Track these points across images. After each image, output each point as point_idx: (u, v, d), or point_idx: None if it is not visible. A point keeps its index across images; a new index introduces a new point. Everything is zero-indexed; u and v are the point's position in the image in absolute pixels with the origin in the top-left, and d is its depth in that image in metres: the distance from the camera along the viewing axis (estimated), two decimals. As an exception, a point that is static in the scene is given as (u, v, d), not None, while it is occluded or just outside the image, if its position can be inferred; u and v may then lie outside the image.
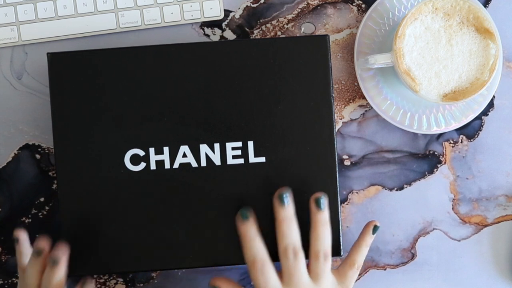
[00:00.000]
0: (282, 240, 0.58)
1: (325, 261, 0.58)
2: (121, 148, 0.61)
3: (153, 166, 0.61)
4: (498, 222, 0.69)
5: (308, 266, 0.59)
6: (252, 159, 0.62)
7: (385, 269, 0.69)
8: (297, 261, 0.57)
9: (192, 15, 0.67)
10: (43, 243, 0.59)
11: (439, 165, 0.69)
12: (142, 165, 0.61)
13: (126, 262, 0.61)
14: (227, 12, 0.68)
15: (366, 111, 0.68)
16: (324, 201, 0.59)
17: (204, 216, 0.61)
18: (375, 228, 0.61)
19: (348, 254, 0.61)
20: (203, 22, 0.68)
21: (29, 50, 0.68)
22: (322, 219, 0.59)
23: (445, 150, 0.69)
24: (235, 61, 0.62)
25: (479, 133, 0.69)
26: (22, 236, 0.61)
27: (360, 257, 0.61)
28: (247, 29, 0.68)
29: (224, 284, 0.60)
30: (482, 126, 0.69)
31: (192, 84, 0.61)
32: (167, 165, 0.61)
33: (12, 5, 0.67)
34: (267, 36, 0.68)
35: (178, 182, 0.61)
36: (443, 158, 0.69)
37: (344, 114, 0.68)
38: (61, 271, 0.58)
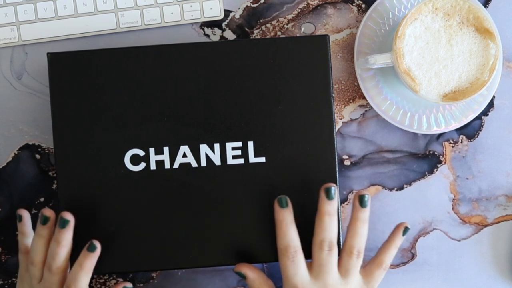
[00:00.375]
0: (321, 232, 0.58)
1: (357, 259, 0.58)
2: (121, 148, 0.61)
3: (153, 166, 0.61)
4: (498, 222, 0.69)
5: (338, 262, 0.59)
6: (252, 159, 0.62)
7: (385, 269, 0.69)
8: (331, 255, 0.57)
9: (192, 15, 0.67)
10: (49, 211, 0.59)
11: (439, 165, 0.69)
12: (142, 165, 0.61)
13: (126, 262, 0.61)
14: (227, 12, 0.68)
15: (366, 111, 0.68)
16: (369, 200, 0.59)
17: (204, 216, 0.61)
18: (406, 230, 0.61)
19: (376, 254, 0.61)
20: (203, 22, 0.68)
21: (29, 50, 0.68)
22: (363, 216, 0.59)
23: (445, 150, 0.69)
24: (235, 61, 0.62)
25: (479, 133, 0.69)
26: (25, 214, 0.62)
27: (389, 257, 0.60)
28: (247, 29, 0.68)
29: (250, 272, 0.60)
30: (482, 126, 0.69)
31: (192, 84, 0.61)
32: (167, 165, 0.61)
33: (12, 5, 0.67)
34: (267, 36, 0.68)
35: (178, 182, 0.61)
36: (443, 158, 0.69)
37: (344, 114, 0.68)
38: (68, 236, 0.58)
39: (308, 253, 0.59)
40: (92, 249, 0.59)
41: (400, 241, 0.61)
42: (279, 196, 0.59)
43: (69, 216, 0.59)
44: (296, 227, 0.58)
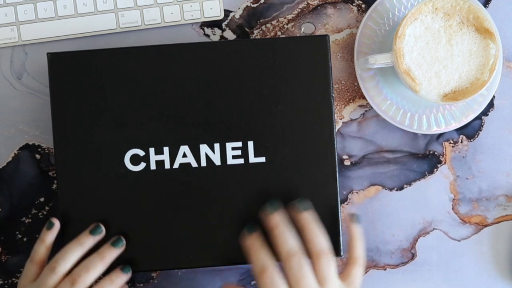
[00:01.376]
0: (280, 246, 0.57)
1: (328, 261, 0.56)
2: (121, 148, 0.61)
3: (153, 166, 0.61)
4: (498, 222, 0.69)
5: (313, 270, 0.56)
6: (252, 159, 0.62)
7: (385, 269, 0.69)
8: (301, 266, 0.55)
9: (192, 15, 0.67)
10: (103, 227, 0.60)
11: (439, 165, 0.69)
12: (142, 165, 0.61)
13: (126, 262, 0.61)
14: (227, 12, 0.68)
15: (366, 111, 0.68)
16: (305, 204, 0.59)
17: (204, 216, 0.61)
18: (355, 217, 0.60)
19: (348, 255, 0.60)
20: (203, 22, 0.68)
21: (29, 50, 0.68)
22: (307, 218, 0.58)
23: (445, 150, 0.69)
24: (235, 61, 0.62)
25: (479, 133, 0.69)
26: (58, 224, 0.60)
27: (359, 251, 0.59)
28: (247, 29, 0.68)
29: None
30: (482, 126, 0.69)
31: (192, 84, 0.61)
32: (167, 165, 0.61)
33: (12, 5, 0.67)
34: (267, 36, 0.68)
35: (178, 182, 0.61)
36: (443, 158, 0.69)
37: (344, 114, 0.68)
38: (114, 257, 0.59)
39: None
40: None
41: (359, 230, 0.60)
42: (247, 225, 0.59)
43: (124, 240, 0.60)
44: (267, 249, 0.57)
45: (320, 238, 0.57)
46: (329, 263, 0.56)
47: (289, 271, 0.56)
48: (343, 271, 0.59)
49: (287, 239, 0.56)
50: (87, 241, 0.59)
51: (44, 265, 0.59)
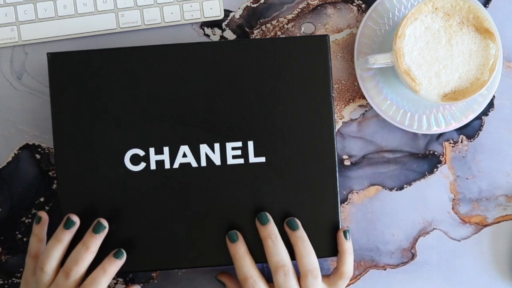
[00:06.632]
0: (270, 258, 0.59)
1: (314, 278, 0.59)
2: (121, 148, 0.61)
3: (153, 166, 0.61)
4: (498, 222, 0.69)
5: (300, 284, 0.59)
6: (252, 159, 0.62)
7: (385, 269, 0.69)
8: (288, 279, 0.58)
9: (192, 15, 0.67)
10: (75, 217, 0.60)
11: (439, 165, 0.69)
12: (142, 165, 0.61)
13: (126, 262, 0.61)
14: (227, 12, 0.68)
15: (366, 111, 0.68)
16: (294, 223, 0.60)
17: (204, 216, 0.61)
18: (346, 233, 0.61)
19: (336, 265, 0.61)
20: (203, 22, 0.68)
21: (29, 50, 0.68)
22: (299, 235, 0.60)
23: (445, 150, 0.69)
24: (235, 61, 0.62)
25: (479, 133, 0.69)
26: (45, 217, 0.61)
27: (348, 267, 0.61)
28: (247, 29, 0.68)
29: (227, 280, 0.63)
30: (482, 126, 0.69)
31: (192, 84, 0.61)
32: (167, 165, 0.61)
33: (12, 5, 0.67)
34: (267, 36, 0.68)
35: (178, 182, 0.61)
36: (443, 158, 0.69)
37: (344, 114, 0.68)
38: (99, 243, 0.59)
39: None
40: (118, 255, 0.59)
41: (348, 245, 0.61)
42: (229, 232, 0.60)
43: (105, 223, 0.59)
44: (250, 256, 0.59)
45: (307, 257, 0.59)
46: (315, 281, 0.59)
47: (276, 282, 0.59)
48: (329, 277, 0.61)
49: (277, 251, 0.59)
50: (64, 236, 0.59)
51: None
